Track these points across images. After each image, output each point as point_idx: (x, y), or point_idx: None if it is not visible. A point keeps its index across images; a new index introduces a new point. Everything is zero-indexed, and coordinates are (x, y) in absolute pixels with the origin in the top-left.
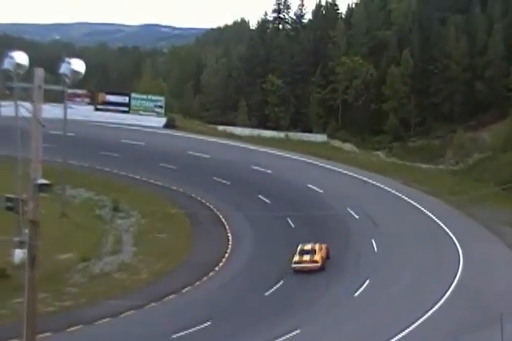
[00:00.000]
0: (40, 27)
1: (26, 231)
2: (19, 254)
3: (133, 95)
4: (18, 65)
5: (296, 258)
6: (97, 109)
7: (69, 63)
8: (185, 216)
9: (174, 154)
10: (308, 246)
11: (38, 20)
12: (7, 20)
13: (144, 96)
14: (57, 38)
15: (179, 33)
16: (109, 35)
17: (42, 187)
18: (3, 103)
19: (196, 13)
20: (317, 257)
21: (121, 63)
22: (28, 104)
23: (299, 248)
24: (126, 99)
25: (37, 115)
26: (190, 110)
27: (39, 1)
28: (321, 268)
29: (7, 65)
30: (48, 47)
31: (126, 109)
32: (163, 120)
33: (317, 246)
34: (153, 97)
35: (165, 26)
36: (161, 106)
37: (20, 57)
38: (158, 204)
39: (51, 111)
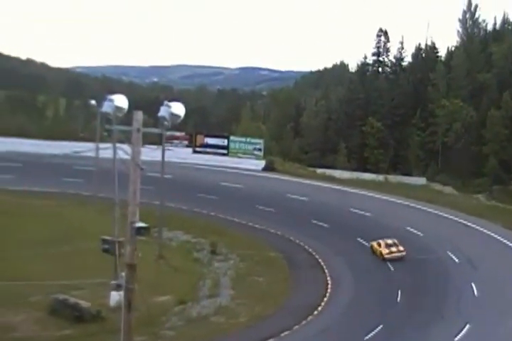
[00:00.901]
0: (140, 69)
1: (123, 274)
2: (115, 297)
3: (232, 138)
4: (118, 108)
5: (386, 250)
6: (195, 152)
7: (168, 106)
8: (283, 259)
9: (273, 197)
10: (389, 241)
11: (137, 63)
12: (107, 62)
13: (243, 139)
14: (156, 80)
15: (278, 76)
16: (209, 77)
17: (140, 231)
18: (102, 145)
19: (295, 56)
20: (401, 247)
21: (220, 106)
22: (126, 147)
23: (382, 243)
24: (225, 142)
25: (136, 158)
26: (290, 153)
27: (139, 44)
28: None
29: (107, 108)
30: (146, 89)
31: (224, 151)
32: (262, 163)
33: (395, 240)
34: (252, 140)
35: (264, 69)
36: (260, 149)
37: (120, 101)
38: (256, 247)
39: (149, 153)
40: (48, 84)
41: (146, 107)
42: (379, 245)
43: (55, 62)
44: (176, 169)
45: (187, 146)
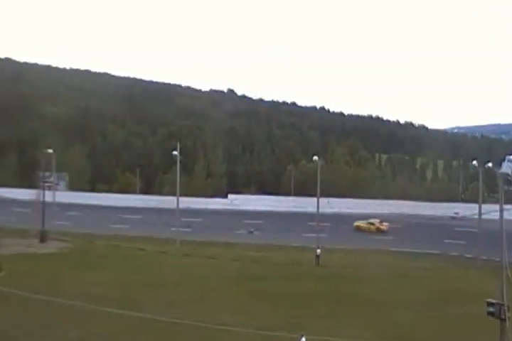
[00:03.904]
0: None
1: None
2: None
3: None
4: None
5: (383, 226)
6: None
7: None
8: None
9: None
10: (376, 220)
11: None
12: (487, 121)
13: None
14: None
15: None
16: None
17: None
18: (484, 206)
19: None
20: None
21: None
22: None
23: (374, 222)
24: None
25: None
26: None
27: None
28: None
29: (506, 168)
30: None
31: None
32: None
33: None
34: None
35: None
36: None
37: None
38: None
39: None
40: (426, 145)
41: None
42: (371, 224)
43: (433, 124)
44: None
45: None
